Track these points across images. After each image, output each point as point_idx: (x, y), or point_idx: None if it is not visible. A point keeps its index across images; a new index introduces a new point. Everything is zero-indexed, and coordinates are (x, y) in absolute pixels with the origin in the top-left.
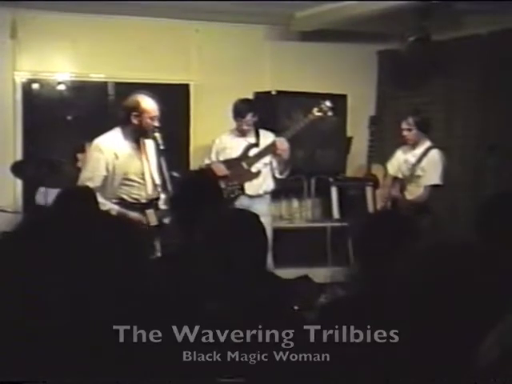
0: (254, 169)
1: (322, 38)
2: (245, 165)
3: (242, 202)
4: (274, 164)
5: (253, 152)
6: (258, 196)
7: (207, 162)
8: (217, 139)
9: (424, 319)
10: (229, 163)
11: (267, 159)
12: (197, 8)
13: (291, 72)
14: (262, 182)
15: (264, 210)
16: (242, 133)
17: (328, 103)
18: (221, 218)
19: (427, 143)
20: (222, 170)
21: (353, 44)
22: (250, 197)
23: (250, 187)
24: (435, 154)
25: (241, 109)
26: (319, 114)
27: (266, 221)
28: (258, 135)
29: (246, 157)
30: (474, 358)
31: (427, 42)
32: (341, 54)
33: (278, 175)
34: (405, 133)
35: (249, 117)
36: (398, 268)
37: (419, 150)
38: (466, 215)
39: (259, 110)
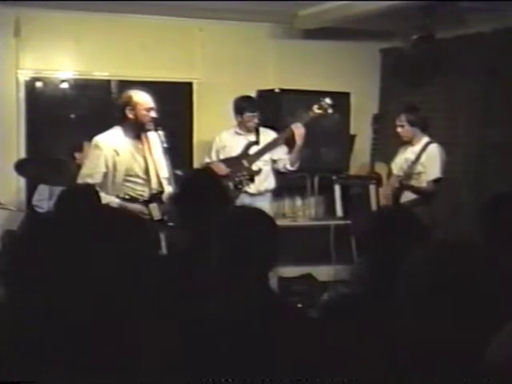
0: (254, 167)
1: (325, 36)
2: (245, 163)
3: (243, 200)
4: (277, 157)
5: (253, 150)
6: (260, 194)
7: (207, 160)
8: (217, 137)
9: (429, 318)
10: (229, 161)
11: (267, 156)
12: (200, 6)
13: (294, 70)
14: (264, 179)
15: (265, 208)
16: (243, 130)
17: (328, 100)
18: (233, 216)
19: (425, 139)
20: (222, 170)
21: (356, 42)
22: (251, 195)
23: (251, 185)
24: (433, 148)
25: (242, 105)
26: (319, 111)
27: None
28: (258, 133)
29: (247, 155)
30: (483, 356)
31: (430, 39)
32: (344, 52)
33: (289, 167)
34: (398, 129)
35: (251, 113)
36: (403, 266)
37: (418, 147)
38: (467, 214)
39: (261, 107)
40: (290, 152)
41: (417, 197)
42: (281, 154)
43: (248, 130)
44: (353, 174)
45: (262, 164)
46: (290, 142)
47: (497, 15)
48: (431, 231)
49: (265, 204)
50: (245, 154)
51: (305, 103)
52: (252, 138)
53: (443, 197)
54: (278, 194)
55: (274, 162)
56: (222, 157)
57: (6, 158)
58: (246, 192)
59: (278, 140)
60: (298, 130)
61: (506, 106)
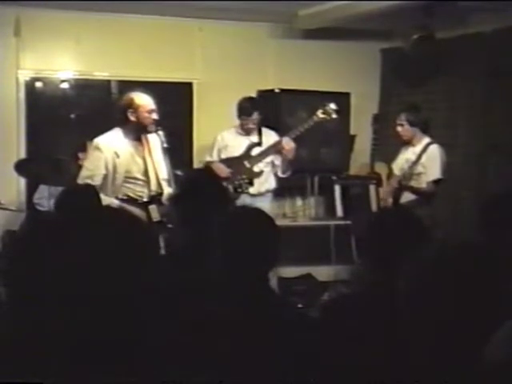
0: (256, 168)
1: (326, 36)
2: (247, 164)
3: (244, 201)
4: (277, 163)
5: (255, 151)
6: (260, 194)
7: (208, 159)
8: (218, 136)
9: (429, 318)
10: (230, 162)
11: (269, 158)
12: (200, 6)
13: (294, 70)
14: (264, 180)
15: (266, 209)
16: (246, 131)
17: (333, 105)
18: (233, 217)
19: (426, 140)
20: (223, 171)
21: (356, 42)
22: (252, 195)
23: (252, 186)
24: (434, 149)
25: (246, 107)
26: (324, 116)
27: None
28: (260, 134)
29: (249, 156)
30: (484, 354)
31: (431, 39)
32: (344, 52)
33: (280, 174)
34: (398, 128)
35: (254, 115)
36: (403, 267)
37: (419, 148)
38: (467, 214)
39: (264, 109)
40: (282, 160)
41: (417, 197)
42: (278, 160)
43: (251, 131)
44: (353, 174)
45: (264, 166)
46: (280, 153)
47: (497, 15)
48: (431, 231)
49: (265, 204)
50: (247, 154)
51: (305, 103)
52: (255, 138)
53: (443, 197)
54: (278, 194)
55: (273, 165)
56: (223, 156)
57: (6, 157)
58: (247, 193)
59: (269, 150)
60: (288, 145)
61: (506, 106)
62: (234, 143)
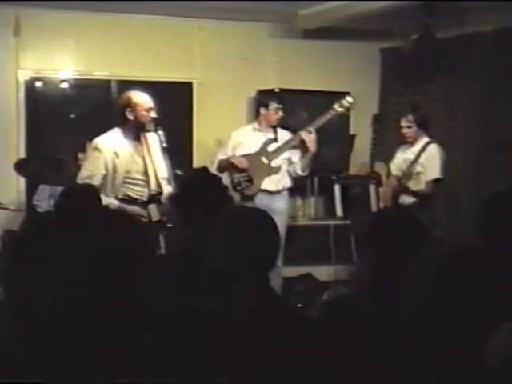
0: (273, 164)
1: (325, 36)
2: (264, 159)
3: (261, 199)
4: (295, 159)
5: (272, 147)
6: (277, 192)
7: (222, 157)
8: (233, 134)
9: (429, 318)
10: (247, 158)
11: (286, 155)
12: (200, 6)
13: (294, 70)
14: (282, 177)
15: (283, 209)
16: (264, 125)
17: (349, 98)
18: (233, 216)
19: (425, 139)
20: (243, 163)
21: (356, 42)
22: (270, 193)
23: (270, 183)
24: (433, 148)
25: (267, 97)
26: (341, 109)
27: (283, 220)
28: (276, 131)
29: (266, 151)
30: (482, 356)
31: (430, 39)
32: (344, 52)
33: (299, 172)
34: (405, 130)
35: (277, 105)
36: (403, 268)
37: (417, 147)
38: (467, 214)
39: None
40: (302, 156)
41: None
42: (295, 157)
43: (269, 125)
44: (353, 173)
45: (282, 162)
46: (300, 148)
47: (497, 15)
48: (431, 231)
49: (283, 204)
50: (264, 150)
51: (305, 103)
52: (271, 135)
53: (443, 197)
54: None
55: (290, 162)
56: (237, 153)
57: (6, 157)
58: (266, 190)
59: (287, 144)
60: (308, 137)
61: (506, 106)
62: (249, 140)
